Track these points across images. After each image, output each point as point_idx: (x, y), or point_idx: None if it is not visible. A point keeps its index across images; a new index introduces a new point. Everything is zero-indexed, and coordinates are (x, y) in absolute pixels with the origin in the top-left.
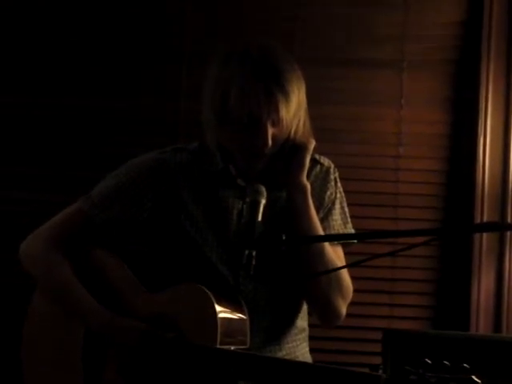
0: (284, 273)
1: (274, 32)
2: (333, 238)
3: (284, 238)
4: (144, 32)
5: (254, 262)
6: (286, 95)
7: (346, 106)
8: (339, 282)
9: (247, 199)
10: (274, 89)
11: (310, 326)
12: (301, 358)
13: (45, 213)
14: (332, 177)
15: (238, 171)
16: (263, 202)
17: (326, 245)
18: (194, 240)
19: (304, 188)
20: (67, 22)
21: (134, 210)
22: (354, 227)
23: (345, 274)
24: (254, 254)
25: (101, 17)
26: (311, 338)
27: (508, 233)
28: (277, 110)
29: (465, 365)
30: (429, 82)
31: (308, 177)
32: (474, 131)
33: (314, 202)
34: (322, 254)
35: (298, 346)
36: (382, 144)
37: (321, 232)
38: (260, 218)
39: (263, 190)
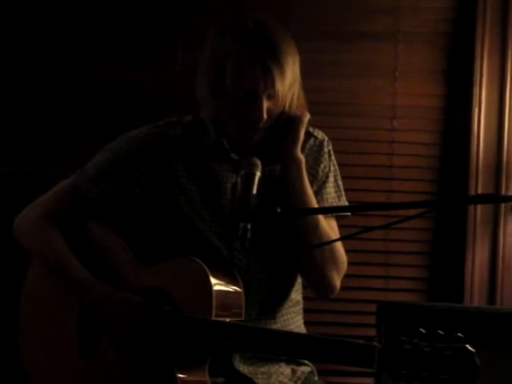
0: (278, 245)
1: (270, 6)
2: (327, 211)
3: (279, 210)
4: (140, 6)
5: (249, 235)
6: (282, 69)
7: (339, 79)
8: (333, 255)
9: (242, 172)
10: (269, 63)
11: (305, 298)
12: (296, 331)
13: (40, 186)
14: (326, 150)
15: (232, 145)
16: (258, 174)
17: (321, 217)
18: (187, 214)
19: (299, 161)
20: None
21: (128, 184)
22: (348, 200)
23: (339, 247)
24: (249, 226)
25: None
26: (306, 311)
27: (502, 205)
28: (273, 84)
29: (459, 334)
30: (423, 55)
31: (302, 150)
32: (468, 104)
33: (307, 175)
34: (316, 226)
35: (293, 319)
36: (376, 117)
37: (315, 205)
38: (255, 191)
39: (258, 162)
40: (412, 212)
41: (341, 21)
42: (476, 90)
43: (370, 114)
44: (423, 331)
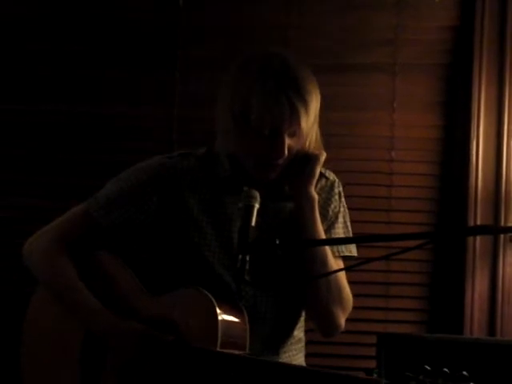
0: (283, 278)
1: (266, 39)
2: (327, 243)
3: (278, 242)
4: (138, 39)
5: (247, 267)
6: (307, 107)
7: (338, 111)
8: (340, 293)
9: (240, 204)
10: (295, 101)
11: (306, 330)
12: None
13: (39, 219)
14: (336, 190)
15: (246, 179)
16: (257, 206)
17: (329, 254)
18: (197, 245)
19: (313, 198)
20: (61, 28)
21: (139, 213)
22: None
23: (345, 286)
24: (247, 258)
25: (95, 24)
26: (307, 342)
27: (501, 236)
28: (298, 122)
29: (464, 372)
30: (421, 86)
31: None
32: (466, 135)
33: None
34: (324, 261)
35: (295, 356)
36: (375, 148)
37: (323, 238)
38: (254, 223)
39: (256, 193)
40: (411, 243)
41: (338, 53)
42: (474, 120)
43: (368, 145)
44: (428, 368)
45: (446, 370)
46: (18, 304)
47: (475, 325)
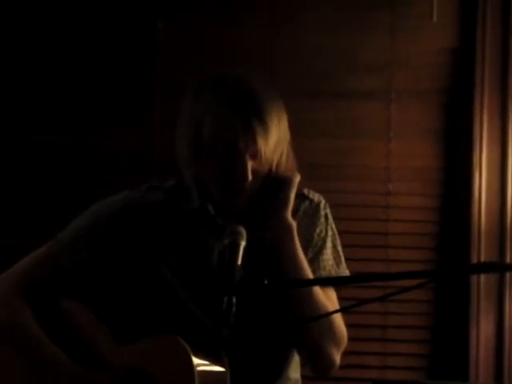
0: (269, 320)
1: (252, 63)
2: (318, 282)
3: (266, 282)
4: (116, 67)
5: (234, 310)
6: (265, 126)
7: (330, 140)
8: (331, 329)
9: (225, 241)
10: (251, 119)
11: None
12: None
13: (6, 258)
14: (322, 213)
15: (217, 209)
16: (243, 243)
17: (316, 287)
18: (169, 284)
19: (289, 226)
20: (33, 56)
21: (106, 253)
22: None
23: (338, 319)
24: (234, 300)
25: (69, 49)
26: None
27: (508, 274)
28: (255, 142)
29: None
30: (419, 113)
31: (295, 213)
32: (468, 164)
33: (301, 241)
34: (311, 298)
35: None
36: (370, 180)
37: (309, 274)
38: (240, 262)
39: (242, 230)
40: (410, 282)
41: (328, 78)
42: (476, 149)
43: (362, 176)
44: None
45: None
46: None
47: (481, 370)
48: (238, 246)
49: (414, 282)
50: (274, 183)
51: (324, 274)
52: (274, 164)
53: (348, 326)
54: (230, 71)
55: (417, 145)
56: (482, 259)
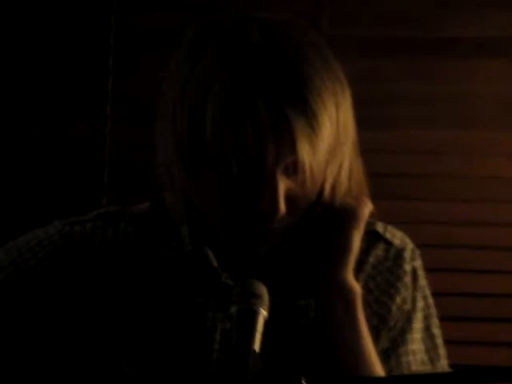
0: None
1: None
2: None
3: (304, 381)
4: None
5: None
6: (313, 119)
7: None
8: None
9: (233, 308)
10: (287, 109)
11: None
12: None
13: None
14: (408, 267)
15: (222, 258)
16: (264, 313)
17: None
18: (129, 377)
19: (350, 293)
20: None
21: (30, 327)
22: None
23: None
24: None
25: (21, 34)
26: None
27: None
28: (293, 149)
29: None
30: None
31: (361, 267)
32: None
33: (369, 315)
34: None
35: None
36: None
37: (379, 370)
38: (258, 346)
39: (263, 290)
40: None
41: None
42: None
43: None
44: None
45: None
46: None
47: None
48: (255, 315)
49: None
50: (327, 218)
51: (406, 373)
52: (328, 185)
53: None
54: (252, 18)
55: None
56: None
